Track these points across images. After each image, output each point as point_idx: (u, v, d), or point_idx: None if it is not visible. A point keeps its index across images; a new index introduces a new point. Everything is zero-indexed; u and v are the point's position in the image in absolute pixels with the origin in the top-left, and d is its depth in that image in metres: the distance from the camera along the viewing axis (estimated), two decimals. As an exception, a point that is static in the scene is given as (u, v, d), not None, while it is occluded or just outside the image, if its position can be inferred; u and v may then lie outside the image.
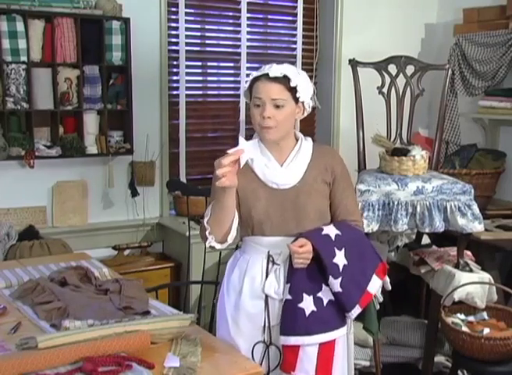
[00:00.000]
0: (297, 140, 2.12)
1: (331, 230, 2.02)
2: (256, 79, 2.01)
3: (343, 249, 2.00)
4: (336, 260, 1.97)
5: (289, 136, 2.08)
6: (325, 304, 1.99)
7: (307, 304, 1.97)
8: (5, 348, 1.85)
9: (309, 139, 2.15)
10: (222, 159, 1.81)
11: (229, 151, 1.83)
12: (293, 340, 1.97)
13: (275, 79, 1.97)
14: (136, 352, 1.80)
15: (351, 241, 2.04)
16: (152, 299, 2.32)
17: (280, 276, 2.03)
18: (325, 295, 1.99)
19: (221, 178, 1.82)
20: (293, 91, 1.99)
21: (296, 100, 2.01)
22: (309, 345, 1.98)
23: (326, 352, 2.01)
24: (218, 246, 2.03)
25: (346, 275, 1.98)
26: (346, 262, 1.99)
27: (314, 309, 1.97)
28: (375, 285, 2.06)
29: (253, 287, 2.05)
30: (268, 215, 2.02)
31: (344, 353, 2.13)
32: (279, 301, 2.03)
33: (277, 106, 1.97)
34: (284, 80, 1.97)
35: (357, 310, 2.00)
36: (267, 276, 2.03)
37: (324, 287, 1.99)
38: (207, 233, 1.99)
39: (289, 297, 1.98)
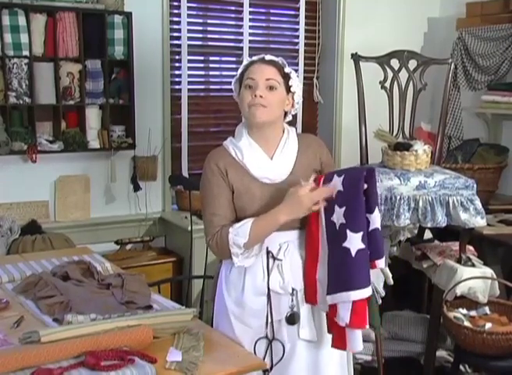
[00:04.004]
0: (283, 130, 2.09)
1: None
2: (250, 64, 2.01)
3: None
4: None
5: (276, 125, 2.05)
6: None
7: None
8: (8, 342, 1.86)
9: (292, 128, 2.13)
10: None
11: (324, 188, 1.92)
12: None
13: (271, 62, 2.00)
14: (138, 347, 1.81)
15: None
16: (154, 294, 2.33)
17: (283, 271, 2.01)
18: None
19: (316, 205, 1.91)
20: (286, 78, 2.00)
21: (288, 89, 2.02)
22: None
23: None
24: (248, 263, 2.00)
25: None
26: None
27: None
28: None
29: (255, 285, 2.01)
30: (264, 212, 1.95)
31: None
32: (283, 296, 2.01)
33: (270, 88, 1.97)
34: (279, 65, 2.01)
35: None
36: (269, 273, 2.00)
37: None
38: (240, 252, 1.95)
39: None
